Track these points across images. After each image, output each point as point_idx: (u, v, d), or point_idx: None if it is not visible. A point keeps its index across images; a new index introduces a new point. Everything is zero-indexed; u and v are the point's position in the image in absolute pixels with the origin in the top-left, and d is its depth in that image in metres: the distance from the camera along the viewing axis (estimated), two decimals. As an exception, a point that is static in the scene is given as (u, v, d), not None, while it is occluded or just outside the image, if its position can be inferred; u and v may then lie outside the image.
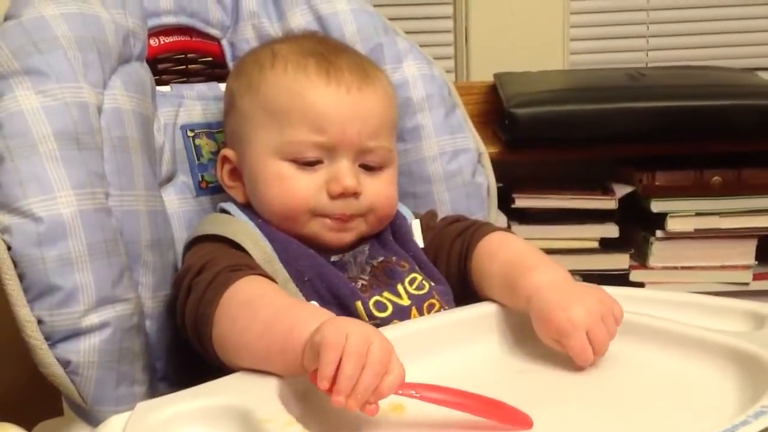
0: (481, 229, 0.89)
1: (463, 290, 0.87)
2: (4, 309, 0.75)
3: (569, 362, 0.75)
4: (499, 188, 1.08)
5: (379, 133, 0.85)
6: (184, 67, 1.04)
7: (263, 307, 0.71)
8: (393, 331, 0.76)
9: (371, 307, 0.80)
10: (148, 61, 0.94)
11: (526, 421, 0.62)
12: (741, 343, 0.71)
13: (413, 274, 0.85)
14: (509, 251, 0.85)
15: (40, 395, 0.94)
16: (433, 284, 0.85)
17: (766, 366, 0.66)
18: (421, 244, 0.91)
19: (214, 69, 1.04)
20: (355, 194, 0.84)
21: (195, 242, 0.84)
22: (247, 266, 0.77)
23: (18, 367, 0.95)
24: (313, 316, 0.67)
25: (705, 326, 0.76)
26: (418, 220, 0.93)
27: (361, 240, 0.87)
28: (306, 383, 0.64)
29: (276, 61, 0.86)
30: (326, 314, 0.69)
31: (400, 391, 0.62)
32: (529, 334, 0.79)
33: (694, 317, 0.80)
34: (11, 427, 0.66)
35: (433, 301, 0.84)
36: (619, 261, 1.51)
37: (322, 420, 0.64)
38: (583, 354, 0.72)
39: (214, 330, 0.73)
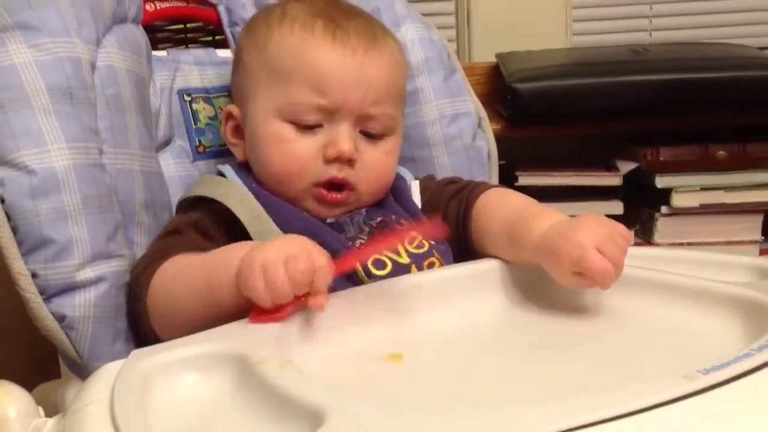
0: (478, 187, 0.88)
1: (462, 250, 0.86)
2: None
3: (572, 315, 0.74)
4: (502, 166, 1.07)
5: (383, 99, 0.84)
6: (182, 36, 1.04)
7: (189, 274, 0.74)
8: (394, 285, 0.75)
9: (370, 266, 0.79)
10: (145, 27, 0.93)
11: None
12: (745, 292, 0.70)
13: (413, 233, 0.84)
14: (508, 207, 0.84)
15: (39, 365, 0.93)
16: (433, 243, 0.84)
17: (771, 312, 0.65)
18: (419, 205, 0.90)
19: (212, 36, 1.04)
20: (350, 161, 0.82)
21: (183, 205, 0.84)
22: (182, 245, 0.78)
23: (18, 335, 0.95)
24: (230, 258, 0.69)
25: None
26: (417, 182, 0.92)
27: None
28: (302, 323, 0.63)
29: (284, 20, 0.85)
30: (241, 251, 0.69)
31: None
32: (533, 289, 0.78)
33: (697, 272, 0.79)
34: (9, 385, 0.65)
35: (434, 259, 0.83)
36: (624, 238, 1.50)
37: (319, 358, 0.63)
38: (603, 270, 0.70)
39: (150, 310, 0.76)
